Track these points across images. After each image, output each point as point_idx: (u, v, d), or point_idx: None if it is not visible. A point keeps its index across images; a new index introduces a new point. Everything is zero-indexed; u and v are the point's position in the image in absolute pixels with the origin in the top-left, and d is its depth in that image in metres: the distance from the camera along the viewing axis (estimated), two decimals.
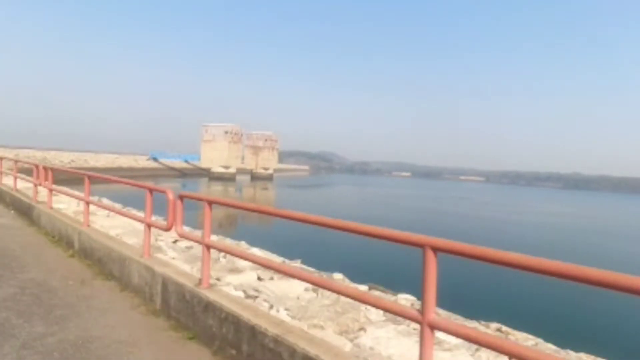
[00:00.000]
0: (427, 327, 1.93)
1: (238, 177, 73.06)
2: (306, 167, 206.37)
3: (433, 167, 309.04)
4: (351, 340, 3.07)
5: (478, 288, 11.14)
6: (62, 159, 48.76)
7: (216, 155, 71.19)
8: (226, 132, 71.37)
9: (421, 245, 1.95)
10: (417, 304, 4.33)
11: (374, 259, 12.56)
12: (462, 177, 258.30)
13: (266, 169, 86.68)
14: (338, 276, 5.67)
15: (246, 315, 2.83)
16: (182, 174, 77.03)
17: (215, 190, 56.79)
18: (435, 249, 1.92)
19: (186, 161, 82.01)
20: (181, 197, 3.66)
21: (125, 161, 62.85)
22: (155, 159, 74.01)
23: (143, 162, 69.26)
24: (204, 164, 73.03)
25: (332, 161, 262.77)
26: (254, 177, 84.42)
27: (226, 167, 71.79)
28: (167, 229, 3.78)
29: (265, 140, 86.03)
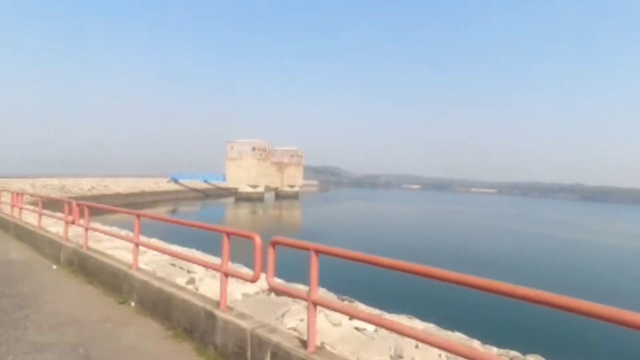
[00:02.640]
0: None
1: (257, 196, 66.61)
2: (315, 182, 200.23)
3: (442, 179, 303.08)
4: None
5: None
6: (82, 185, 42.46)
7: (243, 174, 64.97)
8: (254, 149, 65.32)
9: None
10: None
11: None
12: (474, 189, 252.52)
13: (292, 186, 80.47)
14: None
15: None
16: (204, 195, 70.72)
17: (242, 214, 50.50)
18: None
19: (206, 181, 75.78)
20: (273, 244, 3.37)
21: (146, 185, 56.55)
22: (176, 181, 67.76)
23: (164, 184, 63.02)
24: (230, 183, 66.72)
25: (340, 175, 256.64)
26: (279, 195, 78.20)
27: (254, 187, 65.50)
28: (253, 280, 3.53)
29: (291, 156, 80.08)
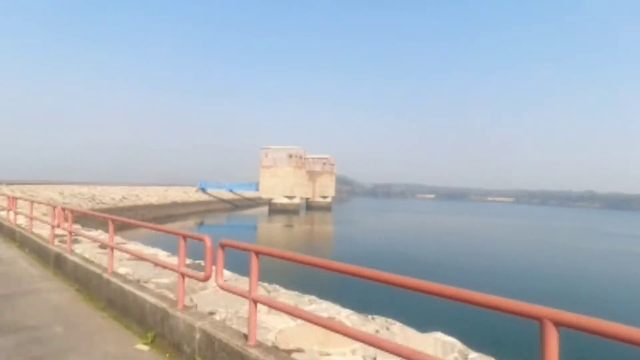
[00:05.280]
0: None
1: (293, 208, 60.51)
2: None
3: (456, 188, 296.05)
4: None
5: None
6: (113, 195, 36.88)
7: (278, 183, 59.25)
8: (290, 156, 59.70)
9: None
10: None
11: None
12: (490, 198, 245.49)
13: (324, 197, 74.59)
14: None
15: None
16: (233, 205, 64.98)
17: (276, 228, 44.66)
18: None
19: (231, 191, 70.05)
20: (222, 246, 3.37)
21: (176, 194, 50.91)
22: (204, 190, 62.13)
23: (193, 194, 57.37)
24: (264, 193, 60.97)
25: (353, 184, 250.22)
26: (310, 206, 72.35)
27: (290, 197, 59.68)
28: (204, 279, 3.47)
29: (324, 164, 74.38)
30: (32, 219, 8.62)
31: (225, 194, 66.41)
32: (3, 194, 12.36)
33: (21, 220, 10.25)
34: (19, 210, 11.19)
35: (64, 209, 6.83)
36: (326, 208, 72.99)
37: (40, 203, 9.85)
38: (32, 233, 8.32)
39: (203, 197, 58.87)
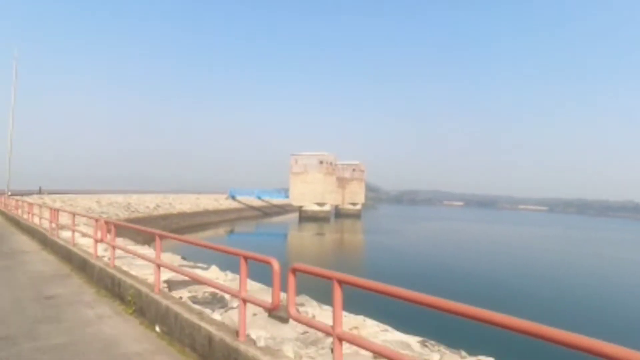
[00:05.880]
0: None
1: (324, 215, 58.86)
2: None
3: (485, 196, 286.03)
4: None
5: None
6: (147, 203, 36.72)
7: (309, 190, 57.97)
8: (321, 162, 58.40)
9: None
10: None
11: None
12: (522, 207, 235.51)
13: (354, 204, 72.78)
14: None
15: None
16: (263, 213, 64.26)
17: (307, 237, 43.21)
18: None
19: (259, 198, 69.47)
20: (294, 271, 2.93)
21: (208, 202, 50.61)
22: (233, 197, 61.79)
23: (224, 201, 57.09)
24: (294, 201, 59.90)
25: (379, 191, 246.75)
26: (340, 213, 70.72)
27: (321, 204, 58.25)
28: (272, 309, 3.10)
29: (353, 170, 72.73)
30: (128, 253, 5.80)
31: (255, 202, 65.85)
32: (84, 215, 10.25)
33: (84, 243, 8.10)
34: (70, 225, 9.88)
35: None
36: (356, 215, 71.17)
37: (146, 232, 5.82)
38: (133, 278, 5.41)
39: (233, 204, 58.45)
